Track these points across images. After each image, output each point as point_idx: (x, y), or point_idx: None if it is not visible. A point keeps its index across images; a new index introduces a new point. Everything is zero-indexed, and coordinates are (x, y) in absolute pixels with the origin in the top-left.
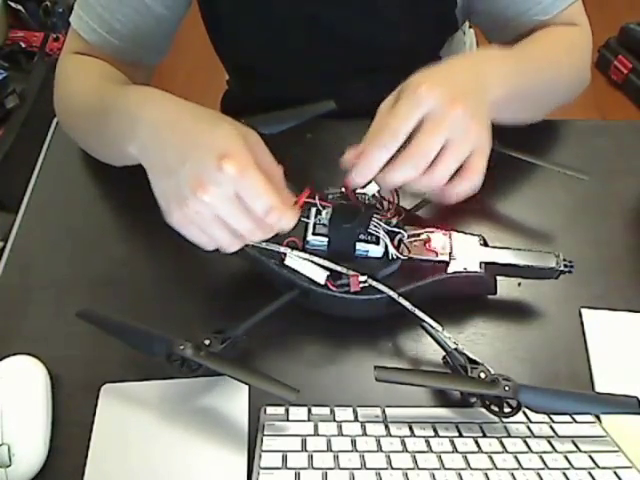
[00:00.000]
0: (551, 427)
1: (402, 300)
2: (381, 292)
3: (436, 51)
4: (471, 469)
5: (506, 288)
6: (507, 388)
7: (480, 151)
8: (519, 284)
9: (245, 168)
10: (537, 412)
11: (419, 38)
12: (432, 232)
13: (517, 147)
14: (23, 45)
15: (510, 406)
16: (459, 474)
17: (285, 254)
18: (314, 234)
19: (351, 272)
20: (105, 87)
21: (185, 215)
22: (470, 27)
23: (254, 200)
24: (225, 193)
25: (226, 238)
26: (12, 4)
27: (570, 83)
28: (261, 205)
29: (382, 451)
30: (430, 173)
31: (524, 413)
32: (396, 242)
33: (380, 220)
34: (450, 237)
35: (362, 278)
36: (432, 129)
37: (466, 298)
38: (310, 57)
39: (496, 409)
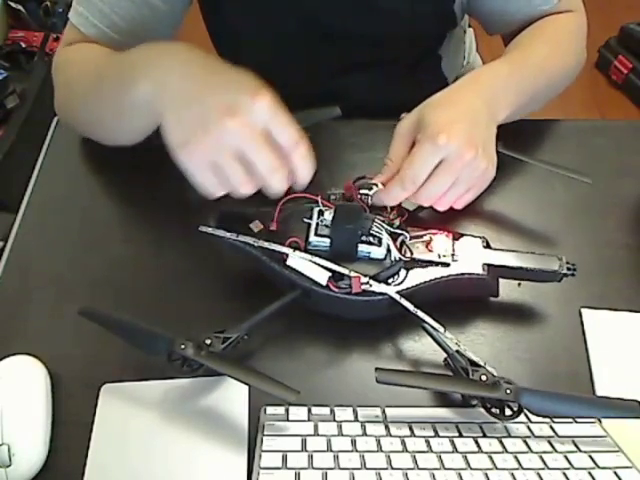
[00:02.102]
0: (551, 427)
1: (404, 301)
2: (383, 293)
3: (435, 47)
4: (471, 469)
5: (506, 289)
6: (508, 391)
7: (476, 188)
8: (519, 284)
9: (276, 104)
10: (538, 415)
11: (418, 33)
12: (434, 234)
13: (517, 147)
14: (23, 45)
15: (511, 409)
16: (459, 474)
17: (287, 254)
18: (316, 235)
19: (353, 273)
20: (107, 53)
21: (204, 148)
22: (470, 26)
23: (284, 132)
24: (253, 122)
25: (241, 176)
26: (12, 4)
27: (570, 71)
28: (290, 137)
29: (382, 451)
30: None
31: (524, 413)
32: (398, 244)
33: (382, 222)
34: (452, 239)
35: (364, 279)
36: (444, 175)
37: (467, 299)
38: (310, 54)
39: (497, 412)
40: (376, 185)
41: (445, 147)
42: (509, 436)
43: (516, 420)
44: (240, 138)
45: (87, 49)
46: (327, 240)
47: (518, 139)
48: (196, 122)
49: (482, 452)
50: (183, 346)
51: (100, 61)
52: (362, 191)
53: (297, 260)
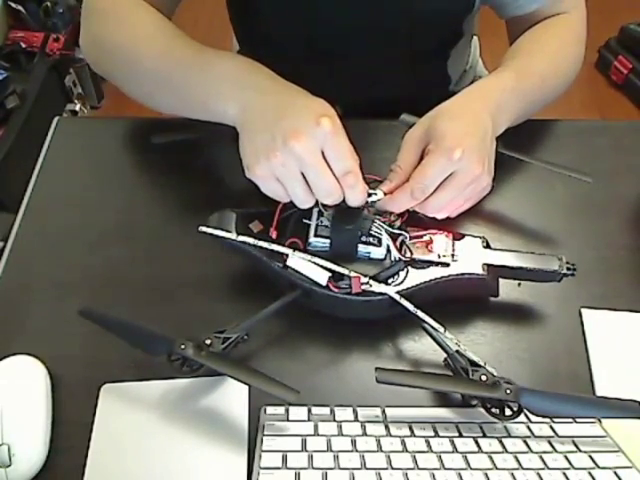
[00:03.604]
0: (551, 427)
1: (404, 301)
2: (383, 293)
3: (450, 42)
4: (471, 469)
5: (506, 288)
6: (508, 391)
7: (472, 200)
8: (519, 284)
9: (338, 130)
10: (538, 415)
11: (437, 13)
12: (434, 234)
13: (517, 147)
14: (23, 45)
15: (511, 409)
16: (459, 474)
17: (287, 255)
18: (316, 235)
19: (353, 273)
20: (182, 46)
21: (270, 167)
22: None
23: (338, 159)
24: (315, 146)
25: (303, 194)
26: (12, 4)
27: (567, 79)
28: (342, 166)
29: (382, 451)
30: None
31: (524, 413)
32: (398, 244)
33: (383, 222)
34: (452, 239)
35: (364, 279)
36: (452, 188)
37: (467, 299)
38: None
39: (497, 412)
40: (375, 194)
41: (459, 161)
42: (509, 436)
43: (516, 420)
44: (302, 161)
45: (131, 4)
46: (327, 241)
47: (518, 139)
48: (265, 147)
49: (482, 452)
50: (183, 346)
51: (164, 42)
52: None
53: (297, 260)
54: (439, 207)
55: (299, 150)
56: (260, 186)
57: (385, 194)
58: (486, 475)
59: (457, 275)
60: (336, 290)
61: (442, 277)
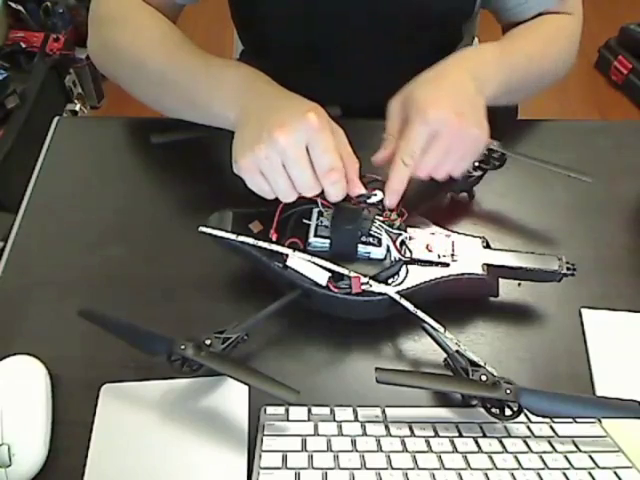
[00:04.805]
0: (551, 427)
1: (404, 301)
2: (382, 293)
3: (449, 47)
4: (471, 469)
5: (506, 288)
6: (508, 391)
7: (469, 155)
8: (519, 284)
9: (325, 126)
10: (538, 415)
11: (437, 15)
12: (434, 234)
13: (517, 147)
14: (23, 45)
15: (511, 409)
16: (459, 474)
17: (287, 255)
18: (316, 236)
19: (353, 273)
20: (188, 52)
21: (255, 159)
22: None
23: (322, 154)
24: (298, 140)
25: (286, 188)
26: (12, 4)
27: (557, 68)
28: (326, 161)
29: (382, 451)
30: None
31: (524, 413)
32: (398, 244)
33: (382, 222)
34: (452, 239)
35: (364, 279)
36: (436, 146)
37: (467, 299)
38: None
39: (497, 412)
40: (375, 194)
41: (434, 121)
42: (509, 436)
43: (516, 420)
44: (284, 154)
45: (137, 9)
46: (327, 241)
47: (518, 139)
48: (252, 139)
49: (482, 452)
50: (183, 346)
51: (170, 46)
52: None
53: (297, 260)
54: (430, 167)
55: (283, 143)
56: (245, 180)
57: (383, 192)
58: (486, 475)
59: (457, 275)
60: (336, 290)
61: (442, 277)
